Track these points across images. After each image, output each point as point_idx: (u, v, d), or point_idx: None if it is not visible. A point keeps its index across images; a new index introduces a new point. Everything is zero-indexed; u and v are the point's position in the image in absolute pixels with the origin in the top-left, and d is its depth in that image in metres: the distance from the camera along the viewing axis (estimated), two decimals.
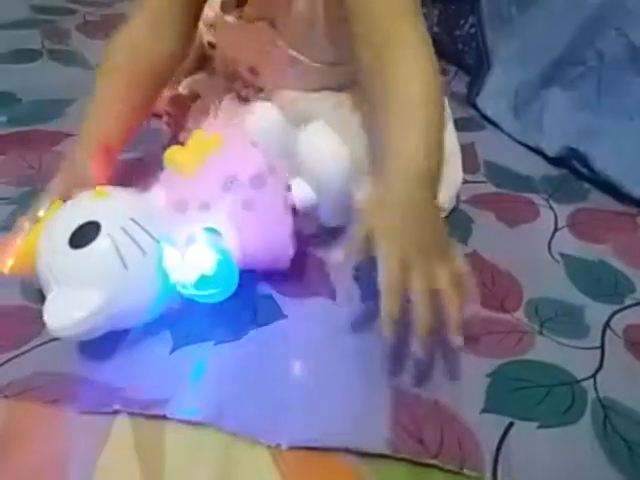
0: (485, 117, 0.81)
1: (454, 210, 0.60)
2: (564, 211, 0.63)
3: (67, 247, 0.37)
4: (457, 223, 0.59)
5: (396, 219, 0.39)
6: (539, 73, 0.76)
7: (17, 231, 0.42)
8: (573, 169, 0.70)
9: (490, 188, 0.66)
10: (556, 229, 0.60)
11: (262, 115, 0.48)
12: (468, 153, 0.69)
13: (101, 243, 0.38)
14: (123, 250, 0.38)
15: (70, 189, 0.44)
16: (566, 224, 0.61)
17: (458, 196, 0.61)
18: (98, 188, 0.42)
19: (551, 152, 0.71)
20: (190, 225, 0.39)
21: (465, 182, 0.63)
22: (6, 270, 0.40)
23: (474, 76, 0.87)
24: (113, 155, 0.49)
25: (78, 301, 0.36)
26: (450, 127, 0.63)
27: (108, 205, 0.41)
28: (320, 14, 0.51)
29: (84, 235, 0.38)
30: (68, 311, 0.36)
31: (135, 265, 0.38)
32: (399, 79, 0.43)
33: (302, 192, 0.46)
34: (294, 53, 0.54)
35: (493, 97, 0.81)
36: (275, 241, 0.43)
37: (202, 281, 0.39)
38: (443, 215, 0.59)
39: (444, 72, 0.93)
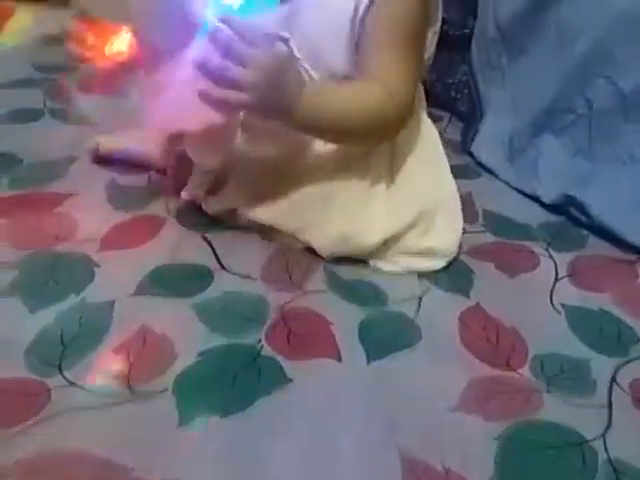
0: (480, 164, 0.83)
1: (455, 260, 0.61)
2: (564, 259, 0.63)
3: None
4: (458, 274, 0.59)
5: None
6: (531, 121, 0.78)
7: None
8: (571, 216, 0.71)
9: (489, 237, 0.67)
10: (557, 279, 0.60)
11: None
12: (466, 202, 0.70)
13: None
14: None
15: None
16: (566, 273, 0.61)
17: (460, 245, 0.61)
18: None
19: (548, 199, 0.72)
20: None
21: (465, 232, 0.64)
22: None
23: (468, 123, 0.89)
24: None
25: None
26: (448, 174, 0.65)
27: None
28: None
29: None
30: None
31: None
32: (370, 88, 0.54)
33: None
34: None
35: (487, 144, 0.82)
36: None
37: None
38: (447, 261, 0.60)
39: (438, 119, 0.95)
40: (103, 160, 0.72)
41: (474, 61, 0.87)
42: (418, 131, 0.64)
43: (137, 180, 0.71)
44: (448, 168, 0.65)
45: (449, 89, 0.96)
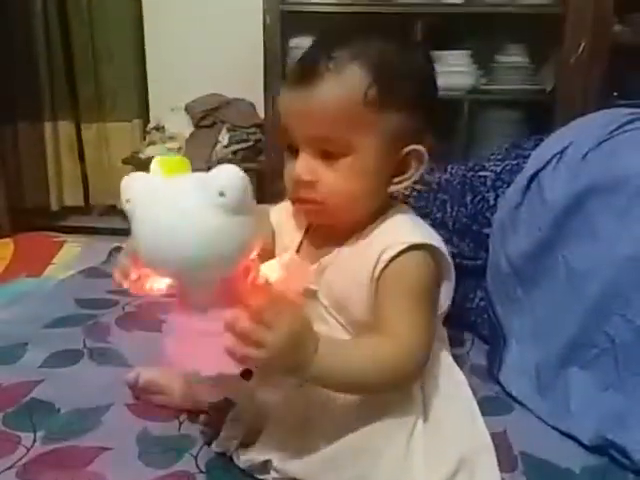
0: (510, 395, 0.82)
1: None
2: None
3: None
4: None
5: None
6: (556, 353, 0.79)
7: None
8: (612, 457, 0.68)
9: None
10: None
11: None
12: (502, 444, 0.68)
13: None
14: None
15: None
16: None
17: None
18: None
19: (586, 440, 0.70)
20: None
21: None
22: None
23: (492, 349, 0.90)
24: None
25: None
26: (479, 417, 0.65)
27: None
28: None
29: None
30: None
31: None
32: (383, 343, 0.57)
33: None
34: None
35: (515, 375, 0.83)
36: None
37: None
38: None
39: (461, 343, 0.97)
40: (142, 392, 0.74)
41: (490, 291, 0.92)
42: (446, 376, 0.66)
43: (168, 428, 0.71)
44: (478, 411, 0.65)
45: (469, 314, 1.00)
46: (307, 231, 0.68)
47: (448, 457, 0.59)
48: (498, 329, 0.90)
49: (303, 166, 0.58)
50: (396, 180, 0.61)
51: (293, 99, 0.59)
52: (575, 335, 0.77)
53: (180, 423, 0.72)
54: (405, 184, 0.61)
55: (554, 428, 0.74)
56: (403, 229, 0.61)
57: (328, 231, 0.64)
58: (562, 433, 0.73)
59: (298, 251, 0.67)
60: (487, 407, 0.76)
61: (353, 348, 0.58)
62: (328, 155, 0.58)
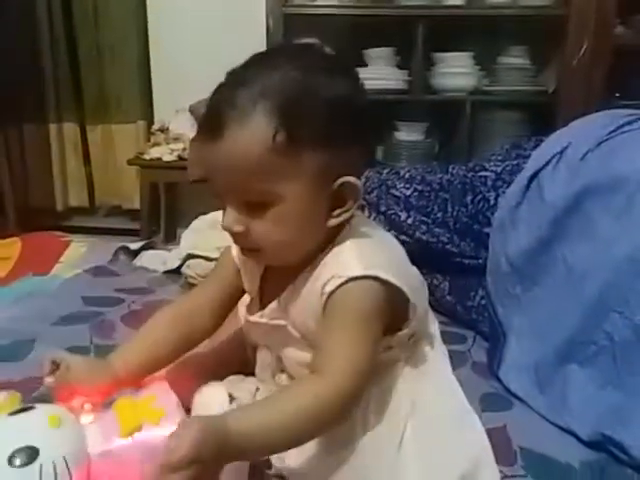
0: (510, 391, 0.83)
1: None
2: None
3: (5, 463, 0.48)
4: None
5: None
6: (555, 350, 0.80)
7: None
8: (611, 453, 0.69)
9: None
10: None
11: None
12: (501, 439, 0.69)
13: (33, 467, 0.48)
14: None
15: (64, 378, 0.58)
16: None
17: None
18: (53, 415, 0.52)
19: (584, 436, 0.71)
20: None
21: (505, 476, 0.62)
22: None
23: (492, 347, 0.91)
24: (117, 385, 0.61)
25: None
26: (478, 424, 0.64)
27: (54, 436, 0.51)
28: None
29: (23, 456, 0.49)
30: None
31: None
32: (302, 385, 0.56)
33: None
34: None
35: (514, 371, 0.84)
36: None
37: None
38: None
39: (462, 340, 0.98)
40: None
41: (491, 289, 0.93)
42: (432, 375, 0.65)
43: None
44: (475, 416, 0.65)
45: (470, 311, 1.01)
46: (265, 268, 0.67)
47: (449, 474, 0.58)
48: (498, 327, 0.91)
49: (230, 218, 0.56)
50: (335, 213, 0.57)
51: (204, 152, 0.56)
52: (574, 333, 0.78)
53: None
54: (345, 216, 0.57)
55: (553, 424, 0.76)
56: (346, 259, 0.57)
57: (281, 268, 0.63)
58: (561, 429, 0.74)
59: (261, 288, 0.67)
60: (487, 403, 0.78)
61: (266, 404, 0.55)
62: (253, 206, 0.55)
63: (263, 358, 0.69)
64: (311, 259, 0.59)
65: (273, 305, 0.63)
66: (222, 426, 0.48)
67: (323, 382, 0.53)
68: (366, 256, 0.57)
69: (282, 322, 0.62)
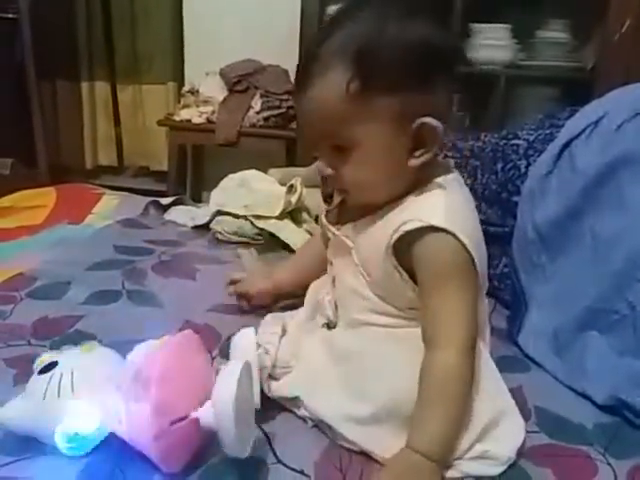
0: (528, 356, 0.85)
1: (513, 465, 0.61)
2: (622, 468, 0.62)
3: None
4: None
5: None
6: (575, 318, 0.81)
7: None
8: (624, 417, 0.71)
9: (544, 439, 0.66)
10: None
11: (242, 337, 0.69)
12: (517, 398, 0.70)
13: (45, 375, 0.58)
14: (52, 383, 0.57)
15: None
16: None
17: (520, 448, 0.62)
18: (88, 344, 0.64)
19: (600, 400, 0.72)
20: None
21: None
22: None
23: (513, 314, 0.93)
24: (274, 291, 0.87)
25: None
26: (503, 385, 0.66)
27: (79, 357, 0.61)
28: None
29: (48, 366, 0.59)
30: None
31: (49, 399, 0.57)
32: (438, 365, 0.59)
33: (206, 416, 0.55)
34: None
35: (533, 337, 0.85)
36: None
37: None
38: (503, 467, 0.60)
39: None
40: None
41: (515, 258, 0.94)
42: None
43: None
44: (502, 382, 0.67)
45: (492, 279, 1.01)
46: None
47: (475, 424, 0.60)
48: (520, 295, 0.92)
49: (322, 163, 0.62)
50: (417, 154, 0.59)
51: (296, 103, 0.63)
52: (596, 301, 0.79)
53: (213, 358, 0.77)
54: (427, 157, 0.59)
55: (570, 388, 0.77)
56: (433, 206, 0.59)
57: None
58: (577, 393, 0.76)
59: (340, 206, 0.70)
60: (504, 365, 0.79)
61: (430, 412, 0.58)
62: (340, 149, 0.60)
63: (324, 279, 0.74)
64: (395, 200, 0.62)
65: (349, 225, 0.66)
66: (416, 458, 0.55)
67: (449, 357, 0.58)
68: (451, 212, 0.59)
69: (350, 243, 0.65)
